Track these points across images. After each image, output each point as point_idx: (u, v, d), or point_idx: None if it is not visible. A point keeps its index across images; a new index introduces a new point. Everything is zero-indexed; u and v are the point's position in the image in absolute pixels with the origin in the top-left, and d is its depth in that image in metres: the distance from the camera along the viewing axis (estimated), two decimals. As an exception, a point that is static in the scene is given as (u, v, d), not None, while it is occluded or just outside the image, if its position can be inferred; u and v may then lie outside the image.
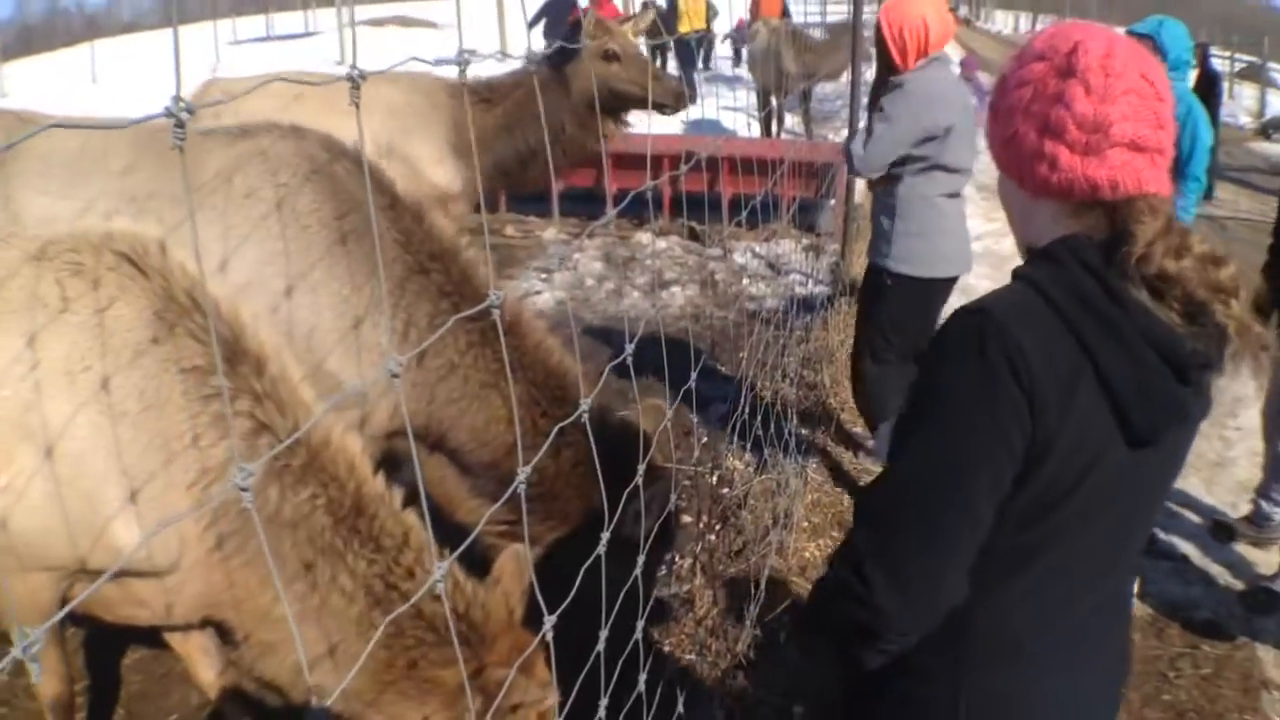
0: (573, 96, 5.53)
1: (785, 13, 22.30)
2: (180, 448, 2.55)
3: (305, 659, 1.60)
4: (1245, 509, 5.47)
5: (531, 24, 22.02)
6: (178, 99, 1.04)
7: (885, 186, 5.08)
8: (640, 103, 5.70)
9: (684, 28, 19.56)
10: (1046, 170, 1.69)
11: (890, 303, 5.18)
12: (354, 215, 3.47)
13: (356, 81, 1.30)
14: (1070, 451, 1.61)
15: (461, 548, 1.79)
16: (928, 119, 4.87)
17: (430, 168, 5.40)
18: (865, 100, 5.44)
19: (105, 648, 4.01)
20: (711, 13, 22.53)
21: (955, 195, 5.14)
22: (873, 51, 5.58)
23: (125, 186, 3.70)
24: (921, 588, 1.64)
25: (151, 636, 3.60)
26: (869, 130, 4.90)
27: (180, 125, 1.05)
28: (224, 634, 2.91)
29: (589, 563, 2.05)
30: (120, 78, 25.83)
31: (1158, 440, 1.65)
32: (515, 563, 2.64)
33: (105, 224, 2.83)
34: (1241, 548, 5.28)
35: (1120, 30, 1.78)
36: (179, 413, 2.55)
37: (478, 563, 2.70)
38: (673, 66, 19.06)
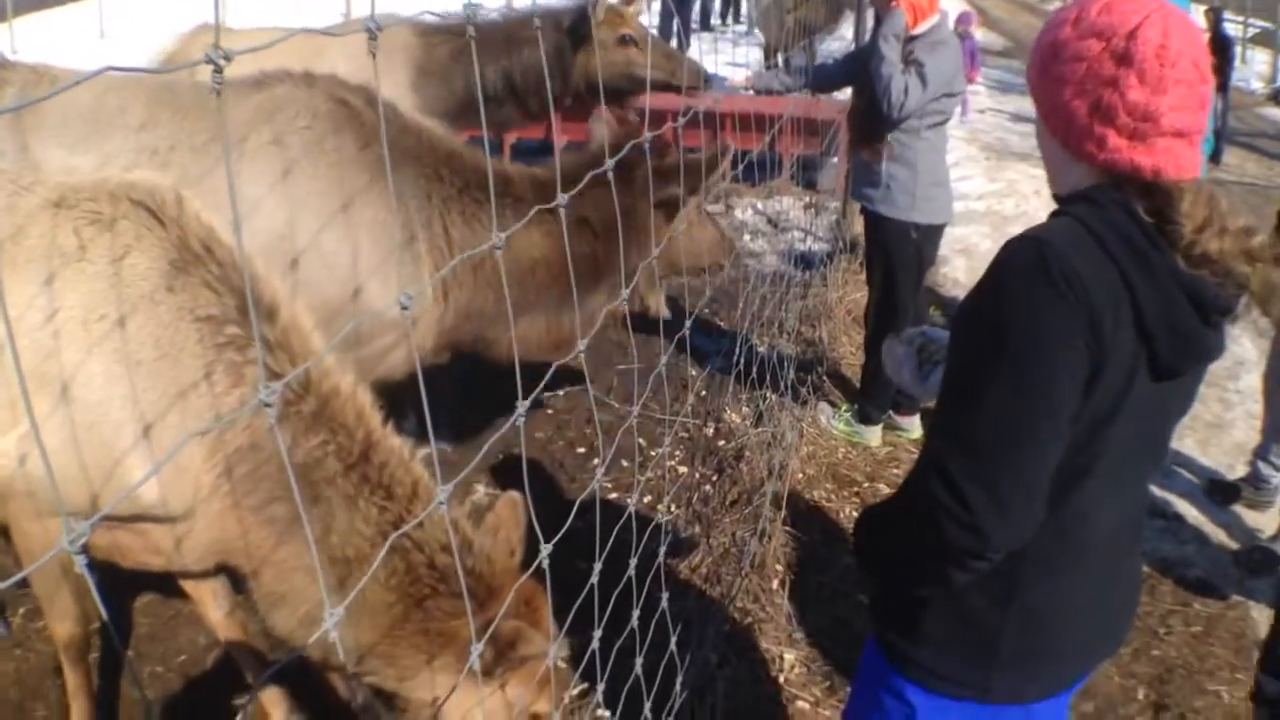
0: (572, 76, 5.44)
1: None
2: (195, 395, 2.59)
3: (327, 600, 1.67)
4: (1241, 471, 5.54)
5: None
6: (217, 47, 1.08)
7: (878, 148, 5.18)
8: (663, 86, 5.62)
9: None
10: (1094, 148, 1.77)
11: (919, 252, 5.42)
12: (375, 146, 3.64)
13: (373, 32, 1.35)
14: (1114, 373, 1.74)
15: (459, 479, 1.85)
16: (958, 77, 5.21)
17: None
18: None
19: (115, 591, 4.08)
20: None
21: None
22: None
23: (144, 140, 3.76)
24: (1022, 505, 1.74)
25: (158, 581, 3.68)
26: (920, 76, 4.97)
27: (219, 70, 1.10)
28: (237, 582, 2.98)
29: (583, 495, 2.12)
30: (128, 32, 25.66)
31: (1179, 375, 1.80)
32: (512, 510, 2.68)
33: (123, 173, 2.86)
34: (1236, 508, 5.36)
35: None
36: (194, 360, 2.59)
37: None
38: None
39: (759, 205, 10.12)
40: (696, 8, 21.38)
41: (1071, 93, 1.78)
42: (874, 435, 5.71)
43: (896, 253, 5.39)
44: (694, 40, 15.07)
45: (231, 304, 2.65)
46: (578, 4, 5.24)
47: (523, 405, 1.78)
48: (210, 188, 3.31)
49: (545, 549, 1.94)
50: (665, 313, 4.71)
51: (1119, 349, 1.72)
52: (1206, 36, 13.76)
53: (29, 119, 3.85)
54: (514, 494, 2.72)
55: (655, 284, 4.79)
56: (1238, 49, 29.68)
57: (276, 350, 2.65)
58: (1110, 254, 1.72)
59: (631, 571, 2.65)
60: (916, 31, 5.09)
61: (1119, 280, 1.71)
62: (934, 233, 5.45)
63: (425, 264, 3.72)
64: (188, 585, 3.35)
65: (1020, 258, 1.74)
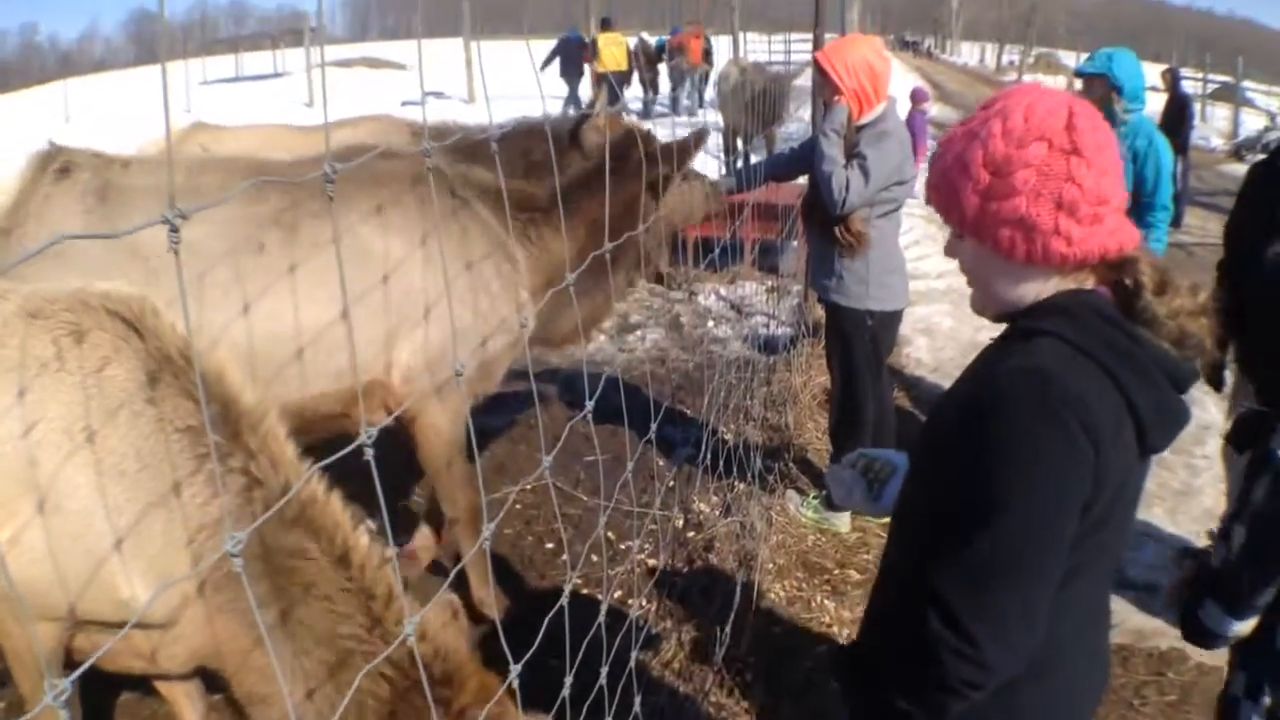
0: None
1: (707, 55, 23.38)
2: (178, 506, 2.64)
3: (292, 709, 1.69)
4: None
5: (544, 65, 22.87)
6: (173, 207, 1.11)
7: (850, 239, 5.22)
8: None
9: (601, 68, 20.66)
10: (1064, 246, 1.80)
11: (876, 339, 5.45)
12: (468, 199, 4.37)
13: (330, 178, 1.37)
14: (1112, 483, 1.76)
15: (430, 605, 1.85)
16: (907, 165, 5.17)
17: None
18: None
19: (93, 691, 4.02)
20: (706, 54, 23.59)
21: None
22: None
23: (258, 211, 4.01)
24: (1024, 635, 1.75)
25: (136, 681, 3.65)
26: (863, 171, 4.98)
27: (175, 230, 1.13)
28: (219, 681, 2.99)
29: (552, 613, 2.12)
30: (93, 117, 25.86)
31: (1163, 449, 1.85)
32: (453, 612, 2.72)
33: (102, 284, 2.90)
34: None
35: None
36: (175, 471, 2.64)
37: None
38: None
39: (722, 291, 10.20)
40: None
41: (1028, 201, 1.79)
42: (843, 522, 5.71)
43: (854, 341, 5.42)
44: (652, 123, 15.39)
45: (211, 413, 2.69)
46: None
47: (487, 530, 1.76)
48: (327, 255, 3.95)
49: (515, 669, 1.93)
50: (667, 268, 5.29)
51: (1118, 458, 1.75)
52: (1165, 98, 13.90)
53: (111, 203, 3.93)
54: (451, 597, 2.74)
55: (662, 248, 5.32)
56: (1196, 106, 30.06)
57: (258, 457, 2.70)
58: (1102, 365, 1.75)
59: (603, 680, 2.64)
60: (862, 121, 5.11)
61: (1114, 389, 1.75)
62: (891, 319, 5.47)
63: (522, 274, 4.47)
64: (162, 686, 3.38)
65: (1022, 395, 1.74)
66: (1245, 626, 2.61)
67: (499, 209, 4.37)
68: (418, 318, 4.14)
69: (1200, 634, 2.66)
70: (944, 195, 1.92)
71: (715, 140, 13.78)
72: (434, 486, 4.73)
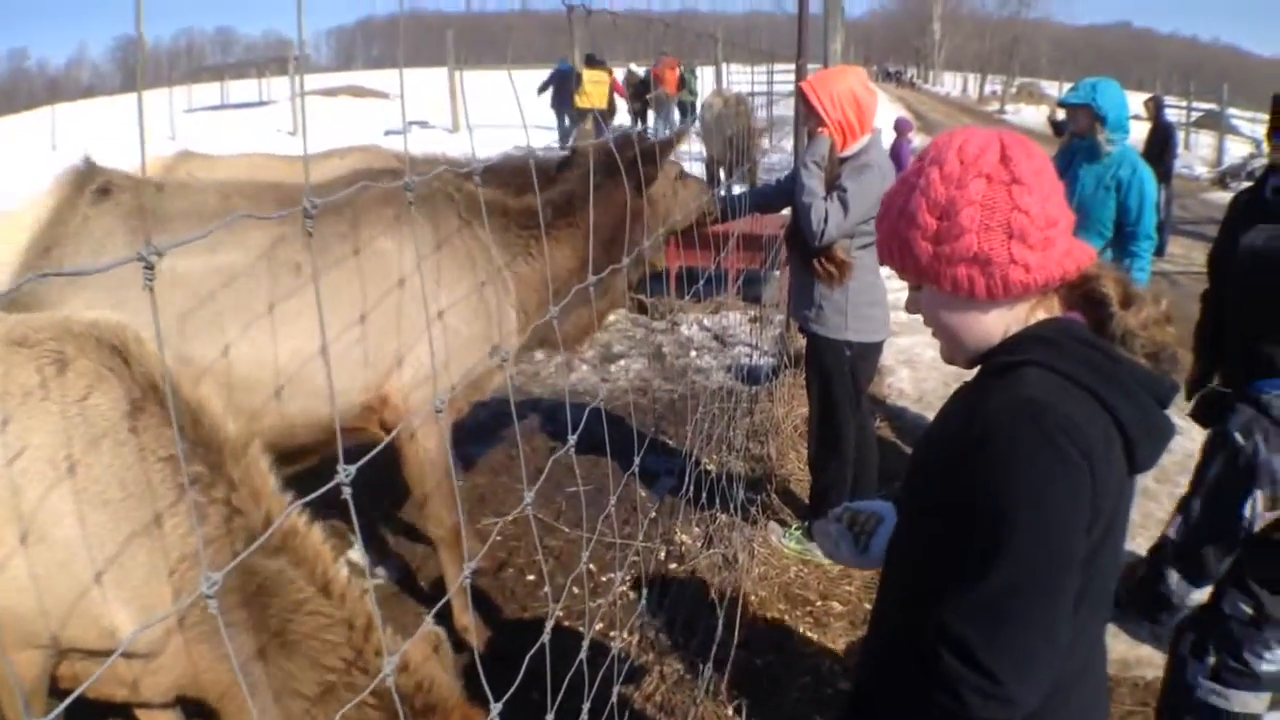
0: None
1: (682, 85, 23.66)
2: (161, 534, 2.65)
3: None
4: None
5: (540, 90, 23.05)
6: (148, 243, 1.10)
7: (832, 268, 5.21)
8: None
9: (584, 104, 20.99)
10: (1022, 274, 1.81)
11: (854, 370, 5.44)
12: (471, 220, 4.55)
13: (309, 213, 1.37)
14: (1108, 500, 1.76)
15: (414, 639, 1.83)
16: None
17: None
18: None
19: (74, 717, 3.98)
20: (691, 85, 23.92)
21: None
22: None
23: (287, 230, 4.13)
24: (1044, 666, 1.72)
25: (119, 708, 3.62)
26: (842, 203, 4.99)
27: (149, 267, 1.12)
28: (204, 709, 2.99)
29: (534, 650, 2.10)
30: (79, 144, 25.84)
31: (1152, 466, 1.86)
32: (435, 644, 2.77)
33: (88, 312, 2.90)
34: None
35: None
36: (158, 500, 2.65)
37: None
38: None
39: (705, 321, 10.21)
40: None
41: (979, 237, 1.80)
42: None
43: (832, 371, 5.42)
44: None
45: (193, 442, 2.69)
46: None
47: (468, 568, 1.75)
48: (357, 261, 4.17)
49: (496, 708, 1.91)
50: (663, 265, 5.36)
51: (1111, 478, 1.75)
52: (1148, 127, 13.91)
53: (156, 220, 3.98)
54: (435, 629, 2.78)
55: (659, 246, 5.41)
56: (1180, 135, 30.09)
57: (240, 488, 2.72)
58: (1087, 388, 1.76)
59: (585, 715, 2.62)
60: (846, 153, 5.11)
61: (1101, 410, 1.76)
62: (870, 350, 5.47)
63: (512, 296, 4.67)
64: (142, 715, 3.33)
65: (1017, 426, 1.73)
66: (1202, 594, 2.78)
67: (499, 229, 4.60)
68: (422, 336, 4.26)
69: (1157, 606, 2.82)
70: (895, 250, 1.94)
71: (698, 169, 13.80)
72: (419, 509, 4.77)
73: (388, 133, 28.94)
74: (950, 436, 1.88)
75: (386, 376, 4.26)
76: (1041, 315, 1.89)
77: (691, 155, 17.98)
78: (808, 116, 5.21)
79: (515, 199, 4.75)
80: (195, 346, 3.92)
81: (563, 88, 23.07)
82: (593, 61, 22.39)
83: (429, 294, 4.29)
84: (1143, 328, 1.84)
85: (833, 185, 5.05)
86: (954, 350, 1.99)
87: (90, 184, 4.01)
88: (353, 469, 1.50)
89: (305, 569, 2.66)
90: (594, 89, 21.58)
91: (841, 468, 5.57)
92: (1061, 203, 1.85)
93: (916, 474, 2.04)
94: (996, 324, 1.89)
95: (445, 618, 4.56)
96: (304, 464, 4.21)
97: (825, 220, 4.94)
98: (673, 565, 5.46)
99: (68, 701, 1.26)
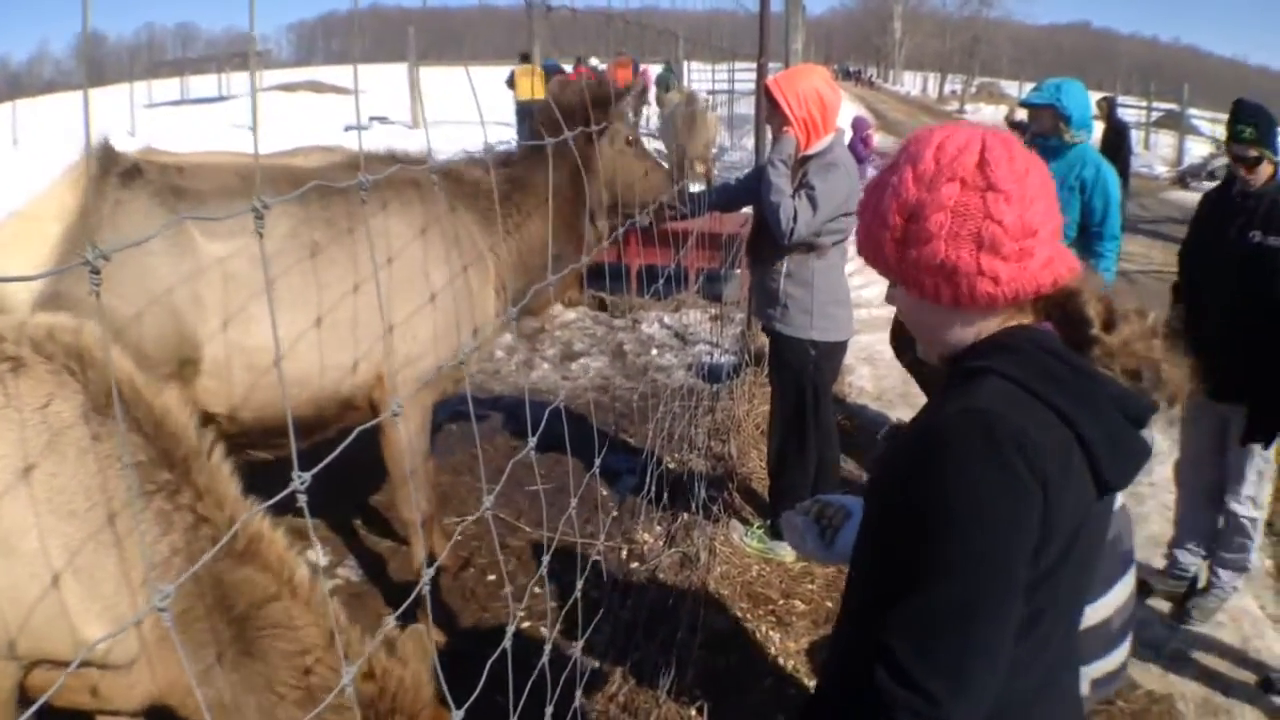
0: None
1: (664, 86, 23.98)
2: (129, 543, 2.62)
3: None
4: (1160, 564, 5.62)
5: (508, 84, 23.23)
6: (92, 246, 1.08)
7: (792, 257, 5.23)
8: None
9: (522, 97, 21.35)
10: (989, 286, 1.73)
11: (819, 370, 5.46)
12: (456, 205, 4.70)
13: (259, 213, 1.34)
14: (1067, 519, 1.67)
15: (376, 642, 1.81)
16: (854, 197, 5.09)
17: None
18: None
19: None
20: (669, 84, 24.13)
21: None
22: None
23: (311, 212, 4.26)
24: (982, 686, 1.64)
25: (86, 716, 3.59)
26: (811, 201, 5.01)
27: (96, 272, 1.10)
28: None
29: (495, 656, 2.09)
30: (42, 140, 25.62)
31: (1124, 487, 1.78)
32: (418, 643, 2.73)
33: (49, 317, 2.85)
34: (1154, 601, 5.43)
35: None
36: (125, 509, 2.61)
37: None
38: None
39: (666, 319, 10.21)
40: None
41: (946, 245, 1.73)
42: (787, 551, 5.69)
43: (797, 370, 5.44)
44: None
45: (157, 448, 2.66)
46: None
47: (427, 574, 1.73)
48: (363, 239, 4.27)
49: (458, 715, 1.89)
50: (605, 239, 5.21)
51: (1069, 497, 1.66)
52: (1101, 126, 14.06)
53: (187, 204, 3.99)
54: (419, 627, 2.77)
55: (603, 213, 5.23)
56: (1140, 134, 30.22)
57: (205, 495, 2.70)
58: (1047, 403, 1.68)
59: (548, 718, 2.60)
60: (810, 152, 5.13)
61: (1060, 425, 1.67)
62: (834, 349, 5.49)
63: (492, 278, 4.81)
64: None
65: (966, 438, 1.65)
66: None
67: (480, 212, 4.73)
68: (415, 314, 4.39)
69: None
70: (868, 246, 1.88)
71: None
72: (397, 492, 4.84)
73: (347, 128, 28.79)
74: (907, 443, 1.81)
75: (381, 355, 4.34)
76: (1012, 324, 1.81)
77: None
78: (772, 115, 5.22)
79: (489, 182, 4.81)
80: (229, 329, 4.00)
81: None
82: (526, 58, 22.83)
83: (420, 275, 4.39)
84: (1124, 346, 1.77)
85: (799, 183, 5.07)
86: (927, 349, 1.94)
87: (113, 169, 3.95)
88: (308, 476, 1.48)
89: (271, 574, 2.65)
90: (525, 82, 22.03)
91: (803, 466, 5.58)
92: (1047, 209, 1.75)
93: (880, 473, 1.95)
94: (968, 330, 1.83)
95: (412, 617, 4.54)
96: (311, 441, 4.41)
97: (794, 218, 4.96)
98: (634, 565, 5.45)
99: (36, 705, 1.23)
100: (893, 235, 1.80)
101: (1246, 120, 4.84)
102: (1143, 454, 1.77)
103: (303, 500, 1.44)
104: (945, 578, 1.63)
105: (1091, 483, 1.71)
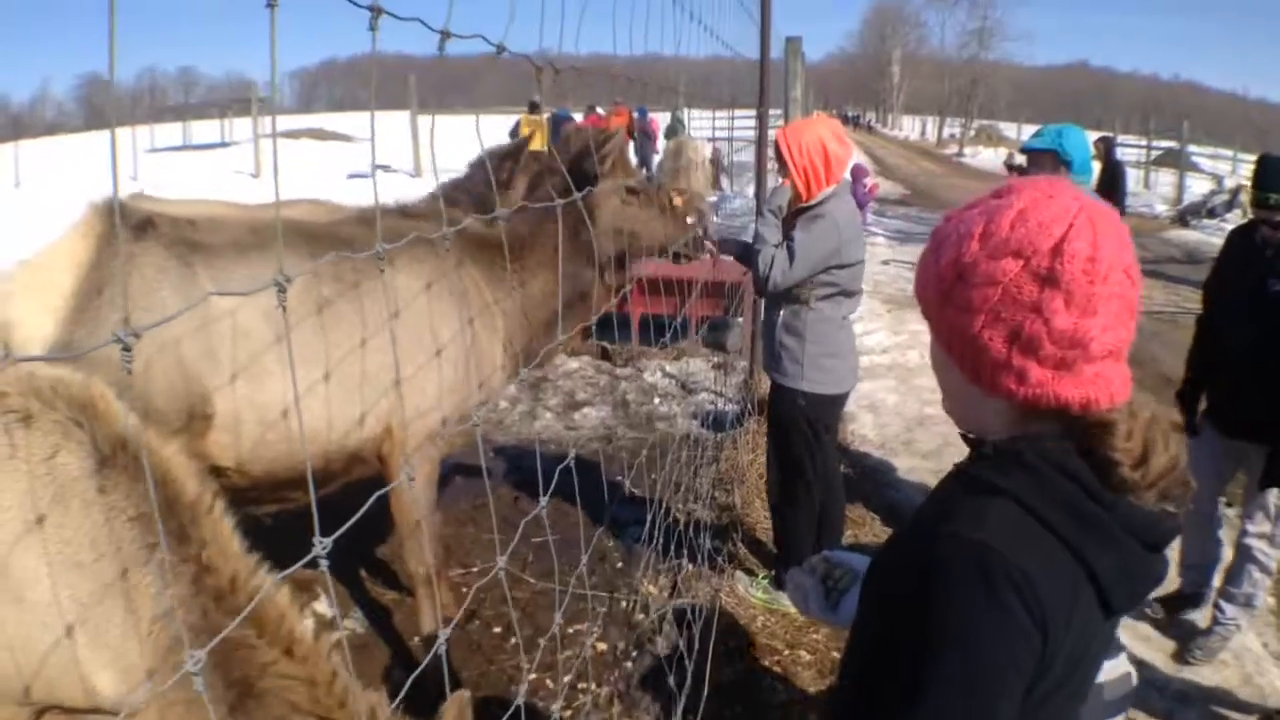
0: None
1: (631, 130, 24.10)
2: (135, 594, 2.63)
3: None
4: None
5: (511, 135, 23.36)
6: (126, 324, 1.10)
7: (786, 307, 5.28)
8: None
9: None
10: (1013, 383, 1.59)
11: (808, 422, 5.45)
12: (464, 259, 4.73)
13: (285, 288, 1.38)
14: (1067, 653, 1.55)
15: (399, 699, 1.82)
16: (845, 250, 5.12)
17: None
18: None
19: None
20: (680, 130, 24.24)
21: (849, 316, 5.44)
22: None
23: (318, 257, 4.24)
24: None
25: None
26: (789, 252, 5.05)
27: (128, 350, 1.13)
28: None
29: (509, 712, 2.10)
30: (44, 182, 25.75)
31: (1133, 609, 1.66)
32: (459, 709, 2.71)
33: (56, 369, 2.88)
34: (1158, 639, 5.47)
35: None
36: (129, 560, 2.64)
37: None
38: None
39: (668, 368, 10.23)
40: None
41: (984, 322, 1.58)
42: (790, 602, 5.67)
43: (787, 420, 5.48)
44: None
45: (163, 498, 2.69)
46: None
47: (443, 633, 1.75)
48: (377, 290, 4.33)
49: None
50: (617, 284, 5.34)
51: (1072, 633, 1.54)
52: (1099, 166, 14.19)
53: (200, 258, 4.02)
54: (463, 693, 2.75)
55: (611, 266, 5.31)
56: (1140, 173, 30.18)
57: (209, 545, 2.70)
58: (1062, 538, 1.52)
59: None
60: (810, 202, 5.16)
61: (1072, 561, 1.53)
62: (826, 402, 5.44)
63: (501, 332, 4.84)
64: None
65: (961, 573, 1.51)
66: None
67: (485, 265, 4.76)
68: (423, 368, 4.42)
69: None
70: (919, 279, 1.74)
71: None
72: (404, 544, 4.81)
73: (350, 176, 28.88)
74: (910, 549, 1.68)
75: (391, 408, 4.36)
76: (1036, 425, 1.63)
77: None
78: (781, 164, 5.27)
79: (497, 236, 4.86)
80: (240, 383, 4.01)
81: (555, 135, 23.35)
82: (535, 108, 22.93)
83: (428, 330, 4.43)
84: (1155, 481, 1.57)
85: (787, 234, 5.13)
86: (948, 407, 1.80)
87: (125, 222, 3.98)
88: (329, 541, 1.50)
89: (269, 633, 2.66)
90: (529, 132, 22.18)
91: (799, 516, 5.59)
92: (1113, 323, 1.55)
93: (876, 566, 1.85)
94: (987, 414, 1.69)
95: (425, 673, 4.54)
96: (325, 491, 4.35)
97: (771, 267, 5.04)
98: (640, 616, 5.45)
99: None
100: (940, 284, 1.66)
101: (1272, 187, 4.97)
102: (1156, 580, 1.66)
103: (324, 565, 1.46)
104: (927, 706, 1.52)
105: (1099, 609, 1.59)
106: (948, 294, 1.63)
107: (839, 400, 5.56)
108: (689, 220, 5.37)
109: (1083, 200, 1.57)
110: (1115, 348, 1.56)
